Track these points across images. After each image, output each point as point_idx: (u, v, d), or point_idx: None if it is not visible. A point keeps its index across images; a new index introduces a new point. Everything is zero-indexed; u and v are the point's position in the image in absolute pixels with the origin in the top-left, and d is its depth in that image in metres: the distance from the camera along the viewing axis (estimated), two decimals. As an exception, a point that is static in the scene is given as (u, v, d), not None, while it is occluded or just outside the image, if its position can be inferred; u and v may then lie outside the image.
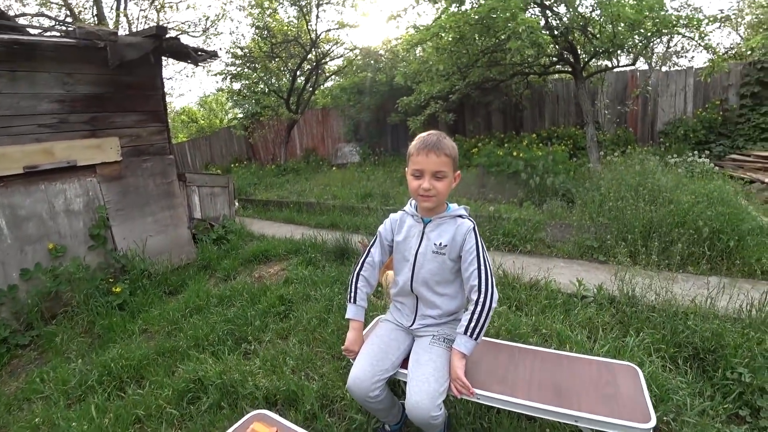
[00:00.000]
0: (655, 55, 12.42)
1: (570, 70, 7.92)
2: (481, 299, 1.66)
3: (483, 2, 6.37)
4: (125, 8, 16.46)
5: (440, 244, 1.78)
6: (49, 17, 14.68)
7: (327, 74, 14.05)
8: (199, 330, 3.18)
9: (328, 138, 14.07)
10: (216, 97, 24.45)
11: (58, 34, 11.56)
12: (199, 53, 5.40)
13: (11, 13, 13.23)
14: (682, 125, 8.88)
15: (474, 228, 1.76)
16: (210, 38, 15.75)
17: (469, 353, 1.68)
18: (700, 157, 6.72)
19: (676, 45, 12.29)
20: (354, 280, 1.94)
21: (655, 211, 4.38)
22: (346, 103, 12.59)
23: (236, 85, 14.26)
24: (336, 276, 3.94)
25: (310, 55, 12.42)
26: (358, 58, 12.95)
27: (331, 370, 2.53)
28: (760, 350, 2.29)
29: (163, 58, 5.28)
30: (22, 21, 12.90)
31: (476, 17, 6.18)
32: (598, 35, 7.18)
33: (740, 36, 14.68)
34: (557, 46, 7.61)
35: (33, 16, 14.65)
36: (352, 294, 1.93)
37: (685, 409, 2.00)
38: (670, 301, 2.92)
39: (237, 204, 6.85)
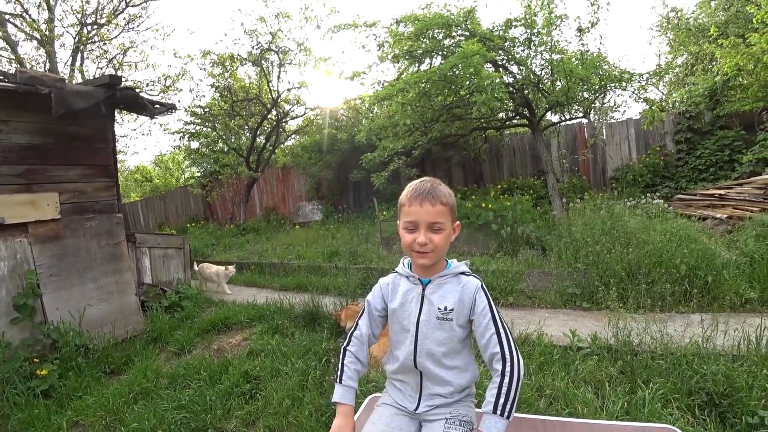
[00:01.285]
0: (596, 110, 13.67)
1: (527, 123, 8.28)
2: (508, 368, 1.37)
3: (444, 61, 6.64)
4: (81, 65, 16.04)
5: (445, 308, 1.49)
6: None
7: (287, 133, 14.03)
8: (144, 421, 2.60)
9: (289, 196, 13.77)
10: (172, 156, 23.83)
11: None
12: (156, 106, 5.09)
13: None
14: (630, 171, 9.50)
15: (482, 285, 1.51)
16: (169, 96, 15.45)
17: None
18: (652, 199, 7.05)
19: (609, 101, 13.76)
20: (342, 357, 1.60)
21: (632, 253, 4.42)
22: (307, 161, 12.50)
23: (194, 144, 13.91)
24: (308, 345, 3.46)
25: (271, 114, 12.38)
26: (319, 117, 13.06)
27: (313, 466, 2.06)
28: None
29: (117, 111, 4.94)
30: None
31: (439, 74, 6.36)
32: (550, 91, 7.62)
33: (661, 92, 16.55)
34: (513, 102, 8.02)
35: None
36: (339, 373, 1.57)
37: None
38: (668, 345, 2.86)
39: (196, 266, 6.39)
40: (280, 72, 11.77)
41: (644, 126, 8.18)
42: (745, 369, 2.40)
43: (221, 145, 13.78)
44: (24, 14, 13.52)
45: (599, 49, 8.26)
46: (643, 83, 7.34)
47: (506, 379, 1.36)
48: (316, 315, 4.11)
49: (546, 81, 7.91)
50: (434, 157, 10.86)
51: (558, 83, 7.58)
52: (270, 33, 11.20)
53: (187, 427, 2.55)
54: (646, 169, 9.32)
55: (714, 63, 13.16)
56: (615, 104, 14.67)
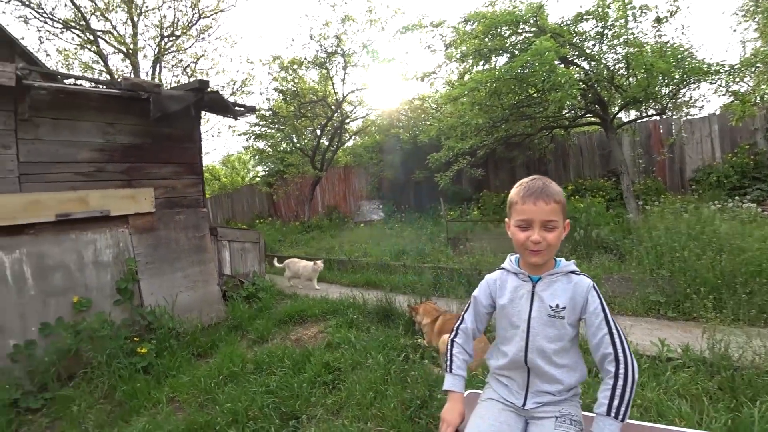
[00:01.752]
0: (670, 105, 12.65)
1: (598, 121, 7.88)
2: (622, 369, 1.35)
3: (514, 59, 6.48)
4: (159, 74, 17.35)
5: (557, 306, 1.48)
6: (99, 81, 15.46)
7: (349, 133, 14.33)
8: (237, 402, 2.76)
9: (350, 195, 14.04)
10: (239, 156, 25.10)
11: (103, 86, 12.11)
12: (238, 107, 5.39)
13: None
14: (713, 171, 8.66)
15: (594, 285, 1.49)
16: (239, 100, 16.34)
17: None
18: (742, 203, 6.42)
19: (684, 95, 12.63)
20: (449, 348, 1.70)
21: (725, 260, 4.11)
22: (368, 161, 12.68)
23: (260, 144, 14.58)
24: (384, 340, 3.52)
25: (335, 115, 12.71)
26: (380, 117, 13.23)
27: (402, 458, 2.08)
28: None
29: (206, 113, 5.29)
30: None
31: (511, 72, 6.22)
32: (625, 87, 7.19)
33: (746, 84, 15.06)
34: (584, 100, 7.66)
35: (76, 79, 15.42)
36: (449, 362, 1.67)
37: None
38: None
39: (277, 262, 6.73)
40: (344, 74, 12.04)
41: (732, 122, 7.48)
42: None
43: (285, 145, 14.33)
44: (113, 30, 14.84)
45: (680, 40, 7.70)
46: (733, 75, 6.72)
47: (620, 381, 1.34)
48: (389, 311, 4.17)
49: (620, 76, 7.50)
50: (498, 157, 10.63)
51: (633, 78, 7.16)
52: (336, 36, 11.47)
53: (277, 411, 2.67)
54: (733, 169, 8.46)
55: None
56: (691, 99, 13.53)
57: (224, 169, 26.40)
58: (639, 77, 6.81)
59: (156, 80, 17.01)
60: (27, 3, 12.92)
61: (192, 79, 18.14)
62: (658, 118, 9.16)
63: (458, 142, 7.81)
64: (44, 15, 13.57)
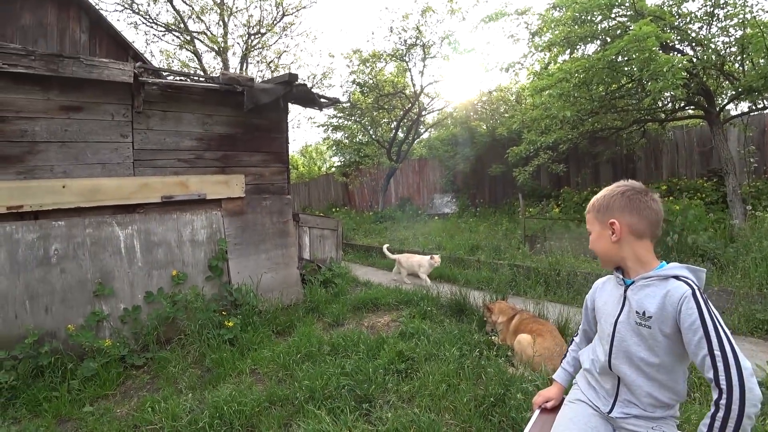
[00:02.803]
0: None
1: (701, 114, 7.08)
2: (724, 400, 1.16)
3: (608, 46, 6.01)
4: (246, 69, 18.53)
5: (644, 313, 1.36)
6: (201, 76, 16.91)
7: (425, 126, 14.27)
8: (314, 381, 2.90)
9: (423, 188, 14.02)
10: (316, 147, 26.09)
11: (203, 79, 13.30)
12: (323, 99, 5.59)
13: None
14: None
15: (694, 293, 1.28)
16: (319, 92, 16.98)
17: None
18: None
19: None
20: (569, 345, 1.88)
21: None
22: (443, 153, 12.55)
23: (337, 135, 15.02)
24: (458, 334, 3.50)
25: (413, 108, 12.71)
26: (457, 110, 13.01)
27: (475, 453, 2.07)
28: None
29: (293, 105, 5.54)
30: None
31: (604, 61, 5.79)
32: (738, 75, 6.38)
33: None
34: (686, 89, 6.92)
35: (187, 75, 16.96)
36: (564, 357, 1.87)
37: None
38: None
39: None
40: (423, 66, 11.98)
41: None
42: None
43: (361, 136, 14.64)
44: (206, 31, 16.11)
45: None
46: None
47: (720, 413, 1.17)
48: (463, 306, 4.13)
49: (732, 62, 6.68)
50: (581, 152, 9.98)
51: (747, 64, 6.33)
52: (415, 28, 11.43)
53: (351, 393, 2.77)
54: None
55: None
56: None
57: (302, 159, 27.60)
58: (759, 62, 6.02)
59: (243, 74, 18.16)
60: (137, 11, 14.49)
61: (275, 74, 19.14)
62: None
63: (540, 136, 7.45)
64: (150, 20, 15.14)
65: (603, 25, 6.84)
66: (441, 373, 2.84)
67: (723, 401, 1.16)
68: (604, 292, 1.60)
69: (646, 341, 1.37)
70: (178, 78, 6.68)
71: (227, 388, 3.01)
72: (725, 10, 6.27)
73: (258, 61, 18.42)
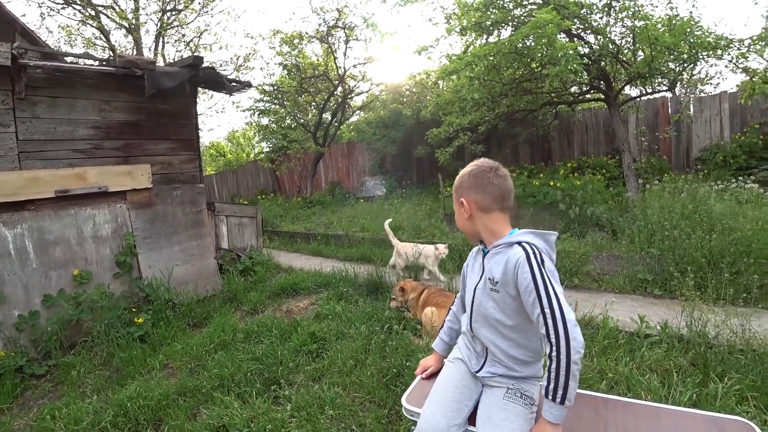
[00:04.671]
0: (683, 83, 12.37)
1: (603, 98, 7.74)
2: (554, 351, 1.30)
3: (515, 32, 6.35)
4: (162, 49, 17.29)
5: (493, 278, 1.49)
6: (95, 58, 15.45)
7: (353, 109, 14.25)
8: (224, 368, 2.91)
9: (353, 171, 14.07)
10: (243, 132, 25.12)
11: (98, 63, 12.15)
12: (233, 83, 5.41)
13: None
14: (719, 151, 8.47)
15: (528, 257, 1.39)
16: (241, 75, 16.26)
17: (558, 420, 1.32)
18: (745, 183, 6.35)
19: (700, 72, 12.29)
20: (446, 315, 1.96)
21: (715, 240, 4.12)
22: (371, 137, 12.64)
23: (264, 120, 14.58)
24: (371, 312, 3.65)
25: (337, 91, 12.62)
26: (383, 93, 13.10)
27: (374, 421, 2.21)
28: None
29: (202, 89, 5.32)
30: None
31: (509, 46, 6.12)
32: (630, 62, 7.03)
33: (765, 60, 14.61)
34: (588, 75, 7.51)
35: (79, 56, 15.43)
36: (441, 327, 1.96)
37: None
38: (749, 340, 2.67)
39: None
40: (346, 48, 11.91)
41: (741, 100, 7.30)
42: None
43: (289, 121, 14.31)
44: (114, 5, 14.71)
45: (691, 12, 7.47)
46: (744, 50, 6.52)
47: (554, 364, 1.30)
48: (378, 285, 4.29)
49: (627, 51, 7.33)
50: (501, 133, 10.50)
51: (640, 53, 6.99)
52: (336, 9, 11.30)
53: (260, 376, 2.83)
54: (741, 149, 8.26)
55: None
56: (707, 76, 13.07)
57: (229, 145, 26.50)
58: (645, 52, 6.65)
59: (159, 55, 16.93)
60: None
61: (196, 54, 18.09)
62: (668, 95, 8.95)
63: (458, 118, 7.74)
64: (44, -10, 13.48)
65: (516, 12, 7.17)
66: (350, 350, 2.96)
67: (554, 353, 1.30)
68: (471, 261, 1.72)
69: (499, 304, 1.49)
70: (73, 61, 6.13)
71: (134, 385, 2.94)
72: (620, 3, 6.81)
73: (177, 40, 17.23)
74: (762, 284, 3.70)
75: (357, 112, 14.68)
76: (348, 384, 2.64)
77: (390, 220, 5.20)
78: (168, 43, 17.11)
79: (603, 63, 7.32)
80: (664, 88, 7.96)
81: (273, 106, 13.79)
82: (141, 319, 3.89)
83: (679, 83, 11.32)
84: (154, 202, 4.75)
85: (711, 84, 13.09)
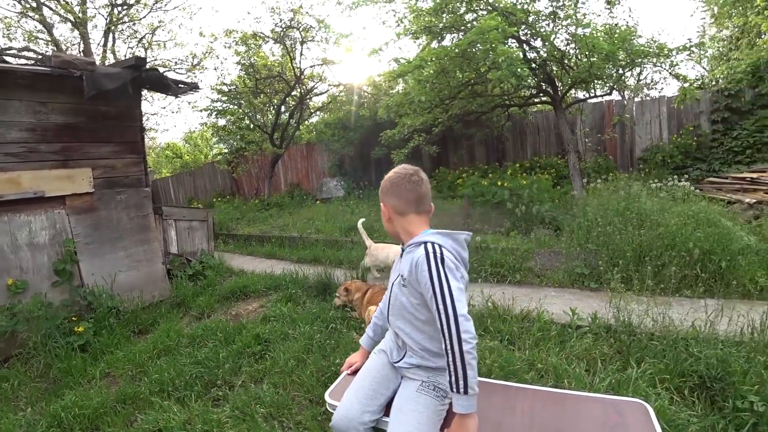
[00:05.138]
0: (627, 87, 13.19)
1: (549, 101, 8.12)
2: (448, 345, 1.39)
3: (462, 37, 6.57)
4: (113, 45, 16.56)
5: (403, 276, 1.60)
6: (36, 52, 14.62)
7: (311, 110, 14.19)
8: (164, 374, 2.90)
9: (312, 173, 14.02)
10: (201, 133, 24.46)
11: (33, 62, 11.48)
12: (180, 85, 5.32)
13: (-2, 48, 13.17)
14: (659, 151, 9.17)
15: (428, 256, 1.48)
16: (196, 75, 15.83)
17: (466, 410, 1.40)
18: (679, 181, 6.87)
19: (646, 78, 13.20)
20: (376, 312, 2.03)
21: (644, 234, 4.37)
22: (330, 138, 12.65)
23: (221, 121, 14.27)
24: (317, 313, 3.71)
25: (294, 92, 12.54)
26: (342, 94, 13.12)
27: (309, 417, 2.29)
28: (768, 375, 2.17)
29: (147, 91, 5.20)
30: (7, 56, 12.78)
31: (457, 51, 6.32)
32: (574, 67, 7.42)
33: (704, 68, 15.77)
34: (536, 79, 7.86)
35: (19, 50, 14.55)
36: (369, 324, 2.02)
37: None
38: (668, 327, 2.85)
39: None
40: (302, 49, 11.85)
41: (675, 104, 7.88)
42: (743, 355, 2.39)
43: (247, 122, 14.08)
44: (58, -4, 13.94)
45: (627, 22, 7.94)
46: (674, 59, 7.04)
47: (449, 357, 1.38)
48: (327, 285, 4.35)
49: (571, 57, 7.71)
50: (456, 134, 10.77)
51: (583, 59, 7.38)
52: (291, 10, 11.24)
53: (201, 380, 2.84)
54: (677, 150, 8.98)
55: (761, 37, 12.39)
56: (653, 81, 13.95)
57: (186, 146, 25.75)
58: (585, 58, 7.03)
59: (109, 51, 16.25)
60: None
61: (149, 52, 17.46)
62: (618, 98, 9.46)
63: (410, 119, 7.91)
64: (-22, -20, 12.63)
65: (468, 17, 7.38)
66: (292, 351, 3.02)
67: (448, 347, 1.39)
68: (397, 260, 1.80)
69: (410, 300, 1.59)
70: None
71: (71, 395, 2.88)
72: (564, 11, 7.15)
73: (128, 37, 16.52)
74: (685, 275, 4.01)
75: (316, 113, 14.61)
76: (288, 383, 2.70)
77: (363, 219, 5.17)
78: (119, 39, 16.44)
79: (549, 68, 7.67)
80: (607, 91, 8.44)
81: (231, 107, 13.53)
82: (81, 328, 3.79)
83: (627, 88, 12.07)
84: (96, 207, 4.62)
85: (656, 89, 13.99)
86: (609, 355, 2.74)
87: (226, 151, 16.04)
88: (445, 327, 1.40)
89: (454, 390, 1.39)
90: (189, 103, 23.59)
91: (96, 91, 4.32)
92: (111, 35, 15.86)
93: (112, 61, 15.80)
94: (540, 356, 2.72)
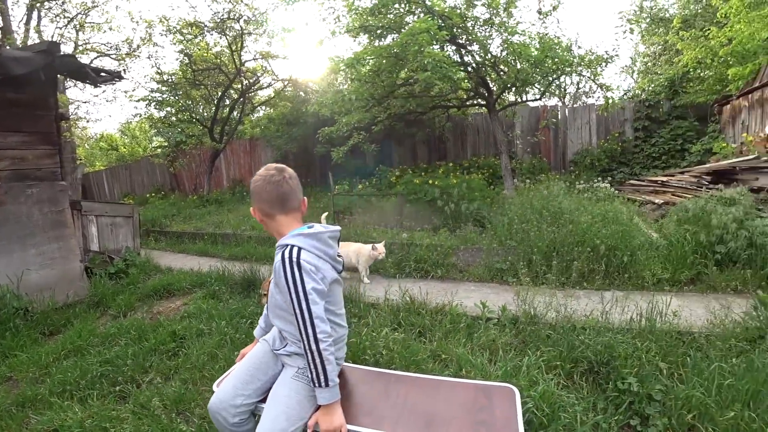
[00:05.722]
0: (567, 94, 14.08)
1: (484, 103, 8.48)
2: (306, 345, 1.48)
3: (397, 38, 6.72)
4: (38, 24, 15.34)
5: (273, 276, 1.64)
6: None
7: (255, 104, 13.88)
8: (68, 374, 2.80)
9: (255, 169, 13.54)
10: (140, 124, 23.22)
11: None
12: (102, 74, 5.08)
13: None
14: (588, 155, 9.96)
15: (283, 259, 1.52)
16: (134, 61, 15.00)
17: (330, 401, 1.52)
18: (603, 183, 7.48)
19: (584, 86, 14.15)
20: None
21: (556, 231, 4.67)
22: (274, 133, 12.45)
23: (160, 113, 13.62)
24: (237, 309, 3.69)
25: (236, 85, 12.22)
26: (287, 89, 12.95)
27: (214, 411, 2.30)
28: (648, 359, 2.40)
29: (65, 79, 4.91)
30: None
31: (389, 51, 6.45)
32: (506, 72, 7.80)
33: (634, 80, 17.18)
34: (471, 82, 8.17)
35: None
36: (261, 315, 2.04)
37: (576, 425, 2.00)
38: (568, 318, 3.05)
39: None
40: (242, 42, 11.56)
41: (599, 112, 8.51)
42: (628, 340, 2.59)
43: (187, 114, 13.55)
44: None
45: (557, 34, 8.45)
46: (595, 69, 7.58)
47: (308, 356, 1.48)
48: (252, 281, 4.34)
49: (503, 62, 8.07)
50: (399, 133, 10.96)
51: (514, 64, 7.76)
52: (229, 1, 10.94)
53: (109, 379, 2.77)
54: (604, 154, 9.79)
55: (679, 55, 13.58)
56: (590, 89, 14.90)
57: (124, 138, 24.36)
58: (516, 64, 7.41)
59: (33, 30, 15.07)
60: None
61: (81, 34, 16.32)
62: (554, 103, 10.04)
63: (348, 117, 7.97)
64: None
65: (408, 19, 7.52)
66: (206, 347, 3.01)
67: (306, 345, 1.49)
68: None
69: (281, 297, 1.62)
70: None
71: (-38, 402, 2.71)
72: (498, 19, 7.47)
73: (56, 15, 15.30)
74: (592, 269, 4.35)
75: (260, 107, 14.30)
76: (198, 378, 2.70)
77: (326, 213, 5.16)
78: (46, 17, 15.25)
79: (483, 72, 7.99)
80: (537, 96, 8.92)
81: (170, 98, 12.94)
82: (-20, 331, 3.56)
83: (567, 95, 12.88)
84: (3, 201, 4.33)
85: (593, 97, 14.97)
86: (514, 345, 2.89)
87: (165, 144, 15.37)
88: (302, 328, 1.48)
89: (316, 385, 1.49)
90: (125, 91, 22.30)
91: (2, 75, 4.05)
92: (36, 13, 14.71)
93: (37, 40, 14.68)
94: (447, 347, 2.83)
